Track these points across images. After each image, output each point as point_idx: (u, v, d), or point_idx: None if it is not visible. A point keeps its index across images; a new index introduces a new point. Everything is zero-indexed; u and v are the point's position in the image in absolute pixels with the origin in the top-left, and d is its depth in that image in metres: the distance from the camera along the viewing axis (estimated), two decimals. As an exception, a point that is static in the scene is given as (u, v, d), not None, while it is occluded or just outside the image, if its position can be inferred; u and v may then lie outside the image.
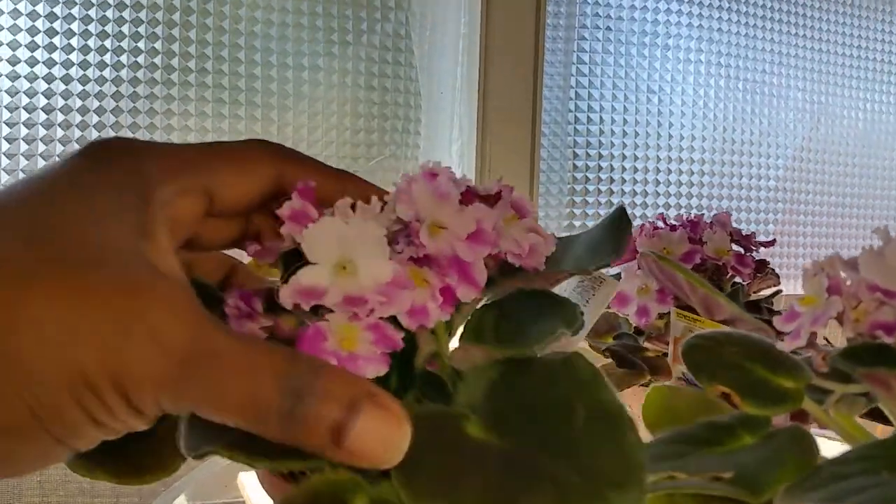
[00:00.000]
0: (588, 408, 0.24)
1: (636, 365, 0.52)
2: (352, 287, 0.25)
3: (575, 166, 1.01)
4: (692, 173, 1.07)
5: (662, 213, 0.65)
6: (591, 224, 1.03)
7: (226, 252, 0.31)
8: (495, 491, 0.21)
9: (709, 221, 0.60)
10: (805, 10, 1.18)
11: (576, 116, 1.01)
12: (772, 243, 0.60)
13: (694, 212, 1.06)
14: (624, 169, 1.03)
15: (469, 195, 0.29)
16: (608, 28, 1.02)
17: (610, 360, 0.53)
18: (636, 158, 1.04)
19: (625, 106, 1.03)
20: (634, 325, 0.56)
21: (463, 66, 0.93)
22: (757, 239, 0.60)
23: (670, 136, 1.06)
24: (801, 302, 0.31)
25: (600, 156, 1.02)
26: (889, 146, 1.29)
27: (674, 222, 0.62)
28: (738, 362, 0.33)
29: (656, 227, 0.60)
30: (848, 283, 0.30)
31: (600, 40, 1.01)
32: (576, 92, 1.01)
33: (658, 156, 1.05)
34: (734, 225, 0.59)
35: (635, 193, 1.04)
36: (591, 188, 1.02)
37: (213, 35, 0.84)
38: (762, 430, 0.30)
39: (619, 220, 0.34)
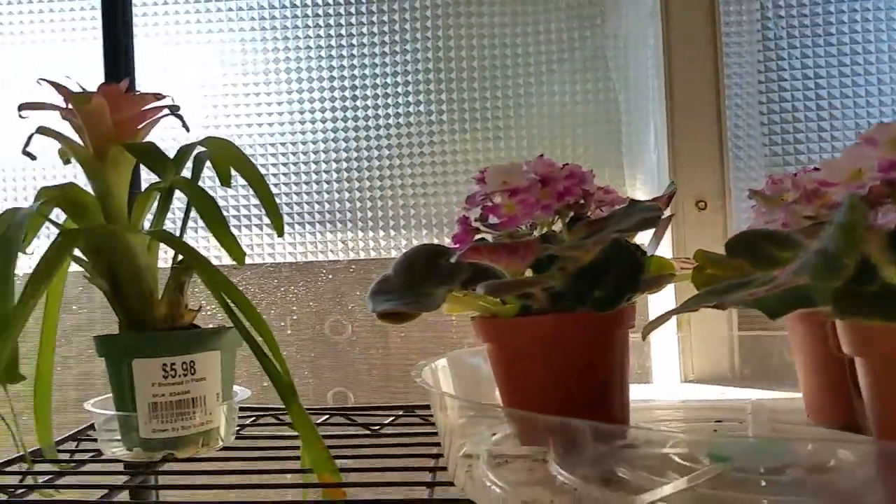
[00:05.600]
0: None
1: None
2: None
3: (771, 147, 1.09)
4: None
5: None
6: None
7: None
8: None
9: None
10: None
11: (768, 108, 1.10)
12: None
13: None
14: (822, 150, 1.09)
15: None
16: (791, 15, 1.10)
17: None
18: (833, 139, 1.10)
19: (817, 93, 1.10)
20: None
21: (653, 77, 1.07)
22: None
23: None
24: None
25: (795, 139, 1.09)
26: None
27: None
28: (758, 244, 0.45)
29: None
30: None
31: (784, 30, 1.10)
32: (766, 86, 1.10)
33: None
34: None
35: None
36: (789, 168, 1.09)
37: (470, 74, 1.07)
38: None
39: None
